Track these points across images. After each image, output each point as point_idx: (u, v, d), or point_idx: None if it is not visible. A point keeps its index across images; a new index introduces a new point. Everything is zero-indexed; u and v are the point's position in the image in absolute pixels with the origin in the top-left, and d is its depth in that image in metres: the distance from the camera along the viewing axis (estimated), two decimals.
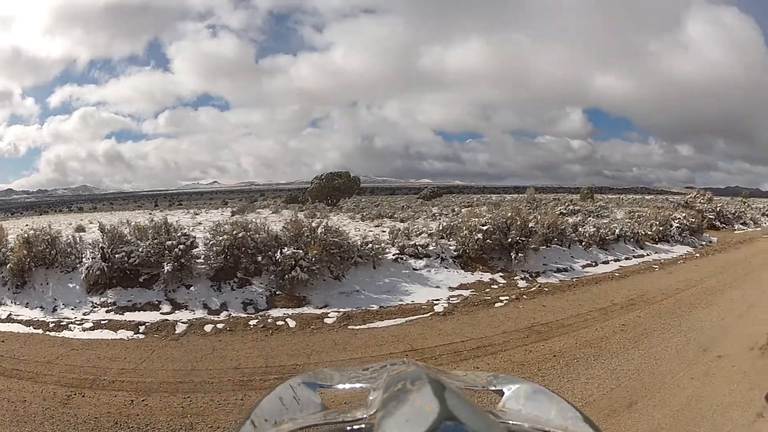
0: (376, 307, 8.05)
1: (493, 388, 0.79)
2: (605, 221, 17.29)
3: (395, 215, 22.93)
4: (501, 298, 8.90)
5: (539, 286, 10.00)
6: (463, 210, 22.58)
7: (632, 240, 15.43)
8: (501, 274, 10.69)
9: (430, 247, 10.66)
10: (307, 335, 6.68)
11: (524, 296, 9.20)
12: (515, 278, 10.50)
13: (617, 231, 14.83)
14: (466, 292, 9.20)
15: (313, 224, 9.13)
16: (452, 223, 12.18)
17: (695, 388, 5.07)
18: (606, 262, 13.23)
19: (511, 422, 0.70)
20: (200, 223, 16.85)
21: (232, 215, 23.99)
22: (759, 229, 28.84)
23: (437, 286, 9.39)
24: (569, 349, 6.46)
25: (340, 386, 0.79)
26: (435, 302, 8.39)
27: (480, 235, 10.67)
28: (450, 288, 9.38)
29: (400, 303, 8.32)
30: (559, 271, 11.46)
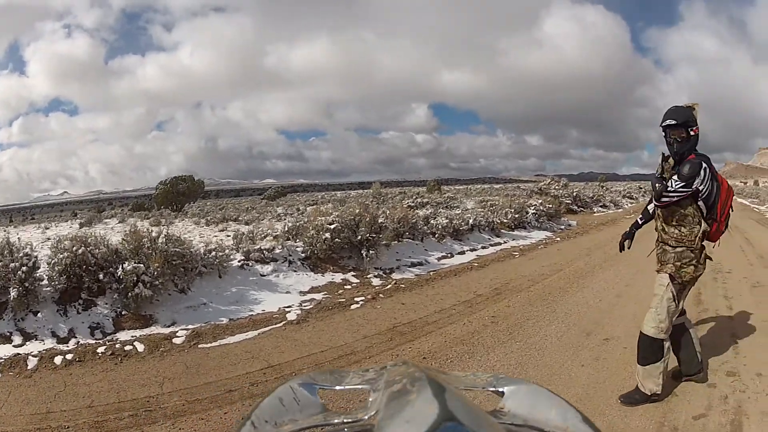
0: (225, 321, 7.86)
1: (493, 389, 0.86)
2: (457, 212, 18.02)
3: (240, 218, 23.16)
4: (356, 299, 8.97)
5: (395, 283, 10.21)
6: (308, 209, 22.86)
7: (487, 229, 16.31)
8: (353, 273, 10.87)
9: (277, 250, 10.55)
10: (157, 360, 6.37)
11: (381, 295, 9.30)
12: (368, 276, 10.73)
13: (471, 221, 15.58)
14: (318, 296, 9.25)
15: (153, 234, 8.85)
16: (298, 224, 12.18)
17: (589, 375, 5.34)
18: (462, 253, 13.97)
19: (510, 423, 0.76)
20: (49, 239, 16.21)
21: (80, 227, 23.46)
22: (621, 210, 31.93)
23: (287, 292, 9.39)
24: (440, 349, 6.51)
25: (340, 387, 0.86)
26: (287, 309, 8.33)
27: (328, 235, 10.73)
28: (301, 292, 9.42)
29: (251, 313, 8.21)
30: (414, 265, 11.86)
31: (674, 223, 4.86)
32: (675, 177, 4.71)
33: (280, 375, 5.70)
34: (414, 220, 13.75)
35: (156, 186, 44.18)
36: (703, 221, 4.82)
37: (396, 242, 12.59)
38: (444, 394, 0.64)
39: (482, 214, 17.43)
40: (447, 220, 14.92)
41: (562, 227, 20.51)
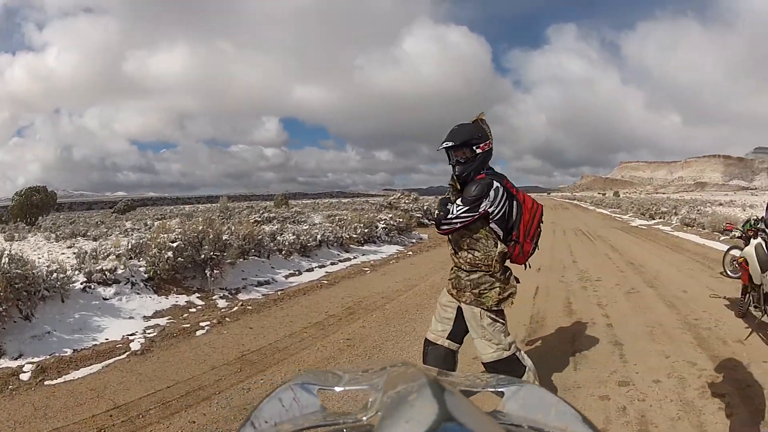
0: (69, 352, 7.49)
1: (493, 389, 0.93)
2: (305, 227, 18.72)
3: (89, 233, 22.95)
4: (201, 323, 8.88)
5: (242, 305, 10.28)
6: (155, 223, 22.61)
7: (336, 244, 17.13)
8: (198, 294, 10.85)
9: (119, 271, 10.19)
10: (7, 400, 6.08)
11: (227, 318, 9.28)
12: (214, 298, 10.76)
13: (319, 236, 16.31)
14: (162, 321, 9.14)
15: None
16: (141, 241, 12.11)
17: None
18: (311, 270, 14.66)
19: (510, 423, 0.83)
20: None
21: None
22: None
23: (131, 317, 9.17)
24: None
25: (340, 388, 0.94)
26: (131, 338, 8.13)
27: (170, 253, 10.91)
28: (145, 317, 9.26)
29: (95, 343, 7.91)
30: (261, 284, 12.24)
31: (466, 248, 4.81)
32: (459, 201, 4.64)
33: (127, 418, 5.54)
34: (260, 237, 14.17)
35: (12, 197, 43.45)
36: (499, 243, 4.77)
37: (242, 260, 12.88)
38: (443, 395, 0.70)
39: (330, 229, 18.32)
40: (294, 236, 15.47)
41: (414, 241, 21.73)
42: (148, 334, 8.46)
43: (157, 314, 9.61)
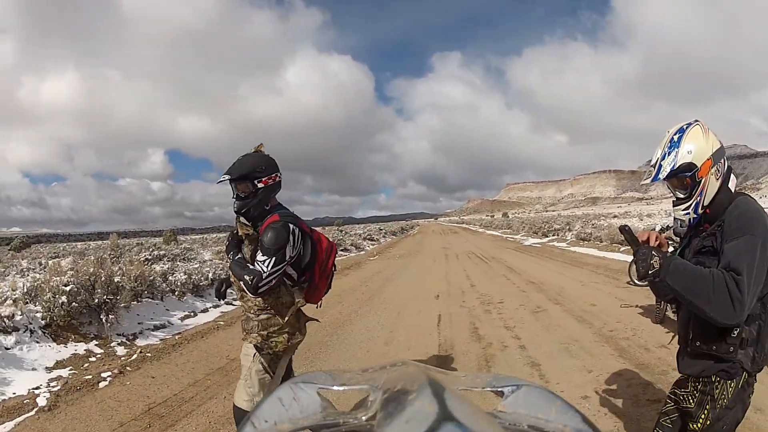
0: None
1: (493, 389, 0.98)
2: (195, 265, 18.73)
3: None
4: (103, 374, 8.64)
5: (141, 352, 10.09)
6: (50, 263, 22.29)
7: None
8: (96, 342, 10.53)
9: (17, 317, 9.79)
10: None
11: (128, 368, 9.05)
12: (112, 345, 10.55)
13: (210, 274, 16.37)
14: (64, 372, 8.88)
15: None
16: (36, 283, 11.48)
17: None
18: (206, 311, 14.70)
19: (510, 423, 0.86)
20: None
21: None
22: (363, 252, 34.38)
23: (33, 369, 8.86)
24: None
25: (341, 387, 0.99)
26: (36, 392, 7.89)
27: (65, 298, 10.47)
28: (47, 369, 8.96)
29: (3, 398, 7.68)
30: (157, 328, 12.17)
31: None
32: (261, 256, 4.44)
33: None
34: (152, 277, 14.10)
35: None
36: (294, 287, 4.83)
37: (135, 303, 12.68)
38: (443, 394, 0.75)
39: (221, 266, 18.40)
40: (186, 276, 15.49)
41: None
42: (53, 387, 8.22)
43: (59, 365, 9.31)
